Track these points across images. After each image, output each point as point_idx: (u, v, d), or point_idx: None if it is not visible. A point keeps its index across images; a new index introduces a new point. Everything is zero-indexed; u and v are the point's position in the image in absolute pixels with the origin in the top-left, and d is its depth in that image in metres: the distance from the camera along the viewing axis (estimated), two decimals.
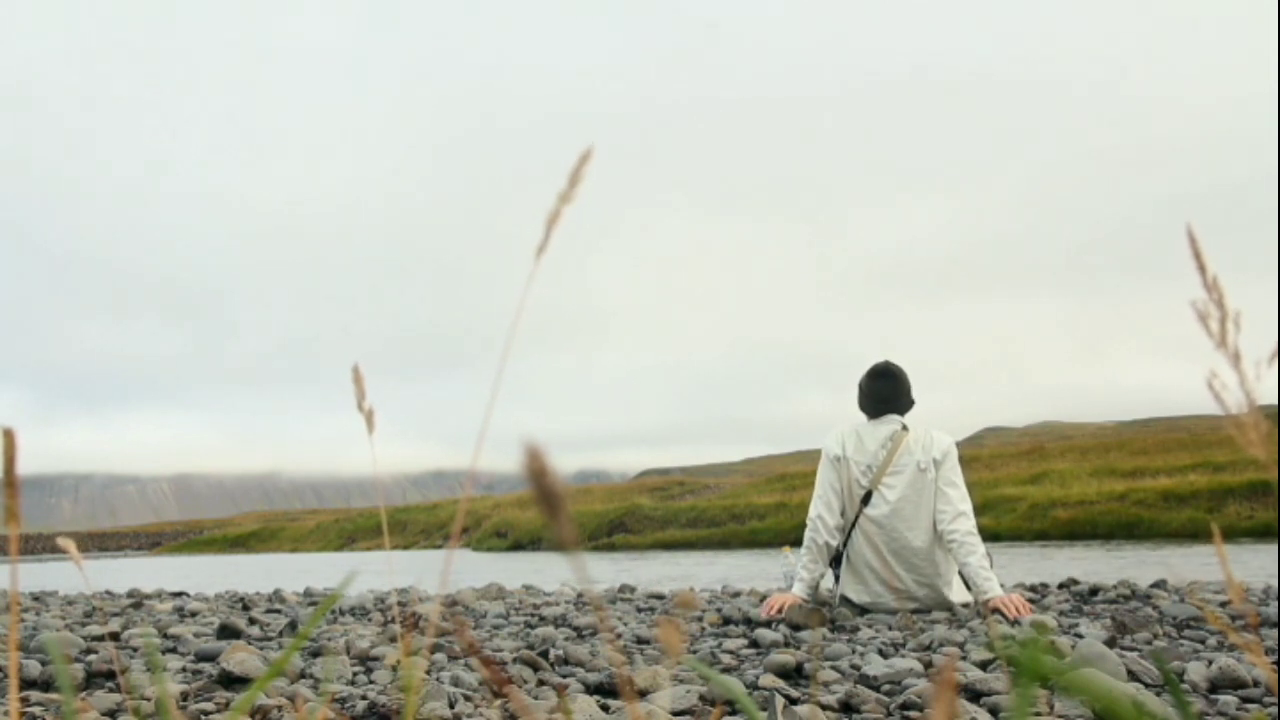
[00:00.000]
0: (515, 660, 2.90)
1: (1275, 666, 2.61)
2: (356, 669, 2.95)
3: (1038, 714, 2.13)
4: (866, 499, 4.20)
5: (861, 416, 4.39)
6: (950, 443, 4.23)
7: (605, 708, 2.30)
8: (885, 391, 4.31)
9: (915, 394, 4.38)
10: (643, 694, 2.46)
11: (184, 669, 2.98)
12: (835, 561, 4.33)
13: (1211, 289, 0.68)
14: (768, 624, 3.85)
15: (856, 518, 4.21)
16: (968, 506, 4.12)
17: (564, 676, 2.77)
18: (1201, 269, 0.68)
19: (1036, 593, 5.04)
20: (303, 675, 2.80)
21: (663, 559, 17.00)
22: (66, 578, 13.19)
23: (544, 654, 3.08)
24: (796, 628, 3.73)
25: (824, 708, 2.31)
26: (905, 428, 4.26)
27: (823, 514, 4.21)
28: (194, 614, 5.02)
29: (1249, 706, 2.29)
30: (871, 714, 2.27)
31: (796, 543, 4.44)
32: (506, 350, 0.82)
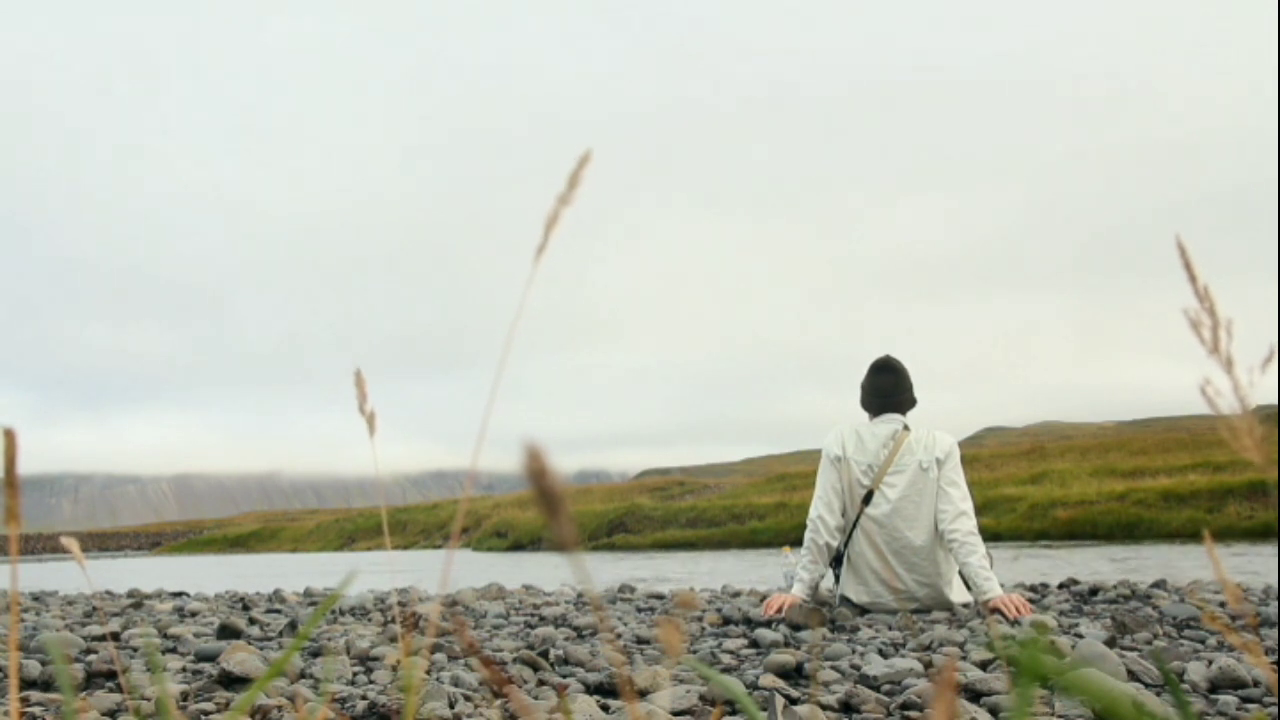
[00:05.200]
0: (515, 660, 2.91)
1: (1275, 666, 2.61)
2: (356, 669, 2.95)
3: (1038, 714, 2.13)
4: (868, 498, 4.19)
5: (863, 416, 4.38)
6: (952, 443, 4.23)
7: (605, 708, 2.30)
8: (886, 386, 4.31)
9: (917, 393, 4.38)
10: (643, 694, 2.46)
11: (184, 669, 2.98)
12: (836, 561, 4.33)
13: (1203, 298, 0.68)
14: (768, 624, 3.85)
15: (858, 517, 4.21)
16: (969, 506, 4.12)
17: (564, 676, 2.77)
18: (1192, 278, 0.68)
19: (1036, 593, 5.04)
20: (303, 675, 2.80)
21: (663, 559, 16.99)
22: (66, 578, 13.18)
23: (544, 654, 3.08)
24: (796, 628, 3.73)
25: (824, 708, 2.31)
26: (906, 427, 4.26)
27: (823, 514, 4.21)
28: (194, 614, 5.02)
29: (1249, 706, 2.29)
30: (871, 714, 2.27)
31: (796, 543, 4.44)
32: (506, 350, 0.83)
